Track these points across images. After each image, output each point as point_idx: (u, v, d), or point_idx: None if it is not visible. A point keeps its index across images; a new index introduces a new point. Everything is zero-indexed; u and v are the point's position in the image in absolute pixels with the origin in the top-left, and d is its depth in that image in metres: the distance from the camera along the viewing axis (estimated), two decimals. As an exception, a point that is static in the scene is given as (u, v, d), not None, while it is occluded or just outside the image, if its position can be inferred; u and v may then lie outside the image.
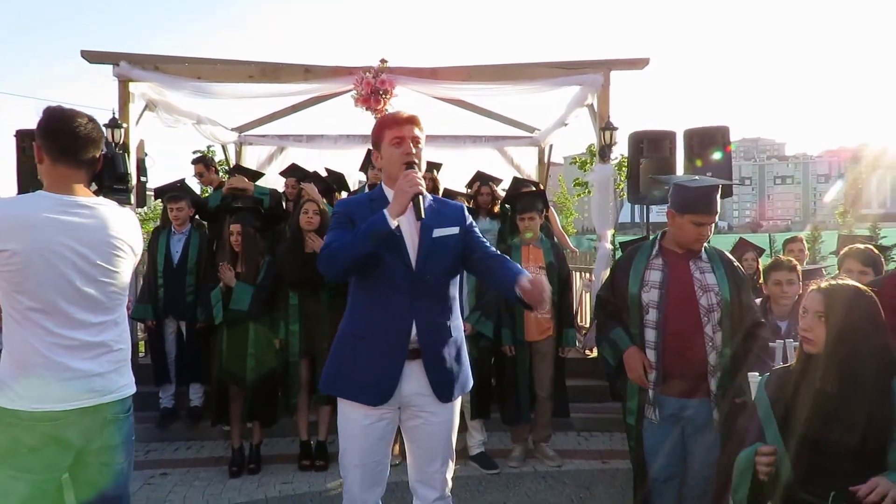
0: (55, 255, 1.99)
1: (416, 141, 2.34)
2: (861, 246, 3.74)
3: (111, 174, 2.53)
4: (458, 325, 2.47)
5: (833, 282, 2.36)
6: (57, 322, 2.03)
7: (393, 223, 2.22)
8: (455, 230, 2.42)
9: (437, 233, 2.38)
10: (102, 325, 2.13)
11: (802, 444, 2.20)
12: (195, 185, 6.88)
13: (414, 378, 2.34)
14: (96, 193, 2.19)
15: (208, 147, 16.04)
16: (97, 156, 2.16)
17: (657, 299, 2.91)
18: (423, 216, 2.24)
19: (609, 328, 3.10)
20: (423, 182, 2.25)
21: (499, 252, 2.52)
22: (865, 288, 2.30)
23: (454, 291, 2.48)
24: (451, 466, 2.50)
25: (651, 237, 3.19)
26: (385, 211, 2.22)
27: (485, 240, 2.54)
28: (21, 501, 2.00)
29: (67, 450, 2.06)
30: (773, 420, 2.30)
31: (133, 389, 2.25)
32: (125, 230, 2.21)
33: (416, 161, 2.31)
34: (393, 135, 2.35)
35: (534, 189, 5.55)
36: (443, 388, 2.37)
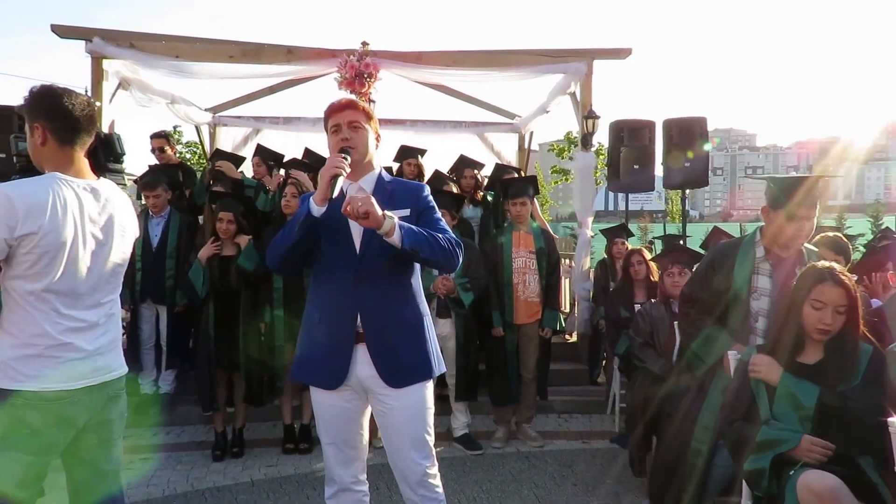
0: (72, 237, 2.02)
1: (352, 125, 2.34)
2: (832, 234, 3.90)
3: (108, 154, 2.58)
4: (415, 312, 2.42)
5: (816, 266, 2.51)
6: (68, 303, 2.06)
7: (316, 209, 2.21)
8: (406, 212, 2.37)
9: (388, 213, 2.31)
10: (107, 304, 2.19)
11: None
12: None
13: (365, 362, 2.35)
14: (95, 174, 2.20)
15: (174, 127, 15.83)
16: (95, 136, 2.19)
17: (767, 308, 2.83)
18: (332, 196, 2.18)
19: (713, 332, 2.98)
20: (344, 166, 2.21)
21: (438, 226, 2.39)
22: (842, 268, 2.45)
23: (408, 277, 2.42)
24: (429, 454, 2.44)
25: (748, 235, 3.08)
26: (310, 198, 2.25)
27: (441, 223, 2.42)
28: (13, 483, 1.99)
29: (70, 429, 2.10)
30: (765, 393, 2.43)
31: (126, 369, 2.29)
32: (128, 212, 2.26)
33: (352, 146, 2.30)
34: (331, 123, 2.38)
35: (526, 175, 5.58)
36: (390, 373, 2.34)
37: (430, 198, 2.49)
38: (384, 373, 2.34)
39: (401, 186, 2.48)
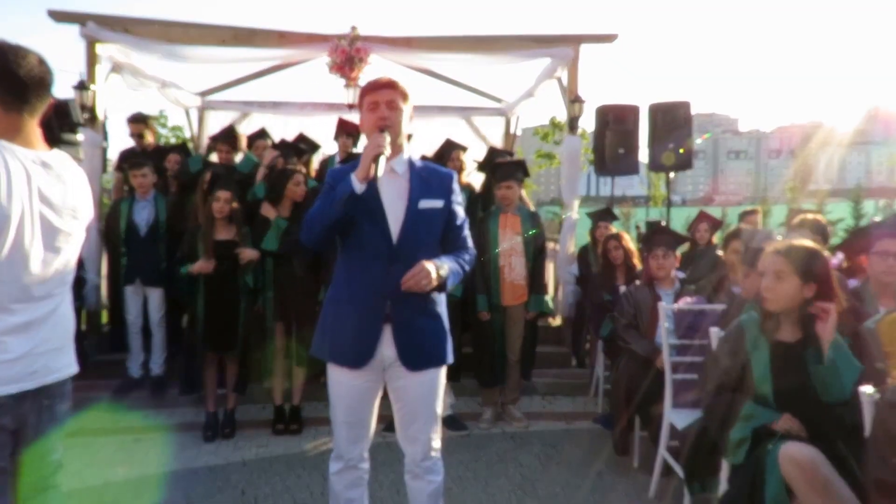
0: (18, 216, 1.72)
1: (391, 105, 2.35)
2: (810, 216, 4.04)
3: (63, 123, 2.29)
4: (437, 299, 2.49)
5: (788, 242, 2.61)
6: (11, 295, 1.76)
7: (359, 186, 2.26)
8: (440, 203, 2.44)
9: (423, 204, 2.41)
10: (55, 297, 1.90)
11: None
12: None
13: (390, 343, 2.42)
14: (48, 145, 1.90)
15: (160, 111, 15.71)
16: (49, 102, 1.88)
17: None
18: (377, 175, 2.24)
19: (749, 409, 2.72)
20: (385, 145, 2.26)
21: (464, 243, 2.53)
22: (818, 246, 2.56)
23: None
24: (437, 428, 2.58)
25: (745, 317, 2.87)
26: (352, 175, 2.28)
27: (465, 229, 2.54)
28: None
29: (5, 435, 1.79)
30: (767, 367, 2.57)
31: (75, 368, 2.00)
32: (83, 191, 1.96)
33: (389, 125, 2.33)
34: (369, 100, 2.39)
35: (514, 158, 5.63)
36: (410, 356, 2.42)
37: (458, 189, 2.55)
38: (404, 355, 2.41)
39: (433, 174, 2.50)
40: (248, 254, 4.44)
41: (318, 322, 2.55)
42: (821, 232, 3.84)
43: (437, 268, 2.30)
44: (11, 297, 1.76)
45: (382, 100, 2.36)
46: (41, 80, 1.81)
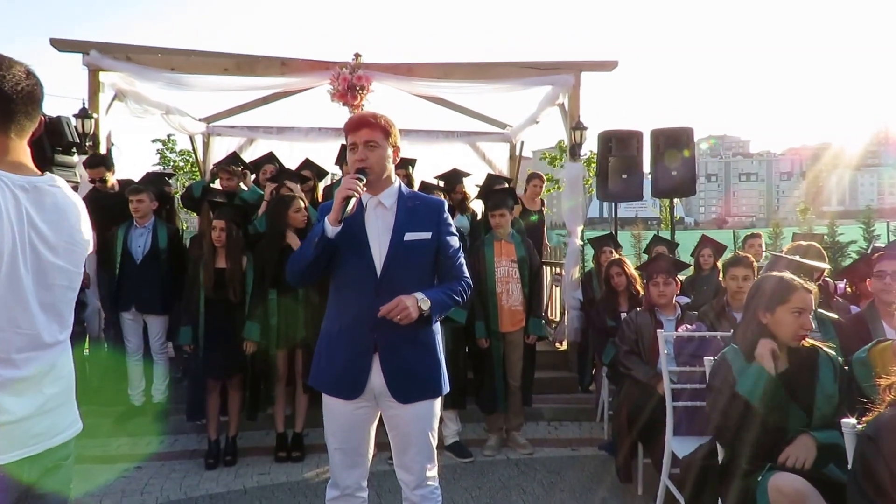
0: (9, 250, 1.49)
1: (369, 144, 2.37)
2: (804, 243, 4.11)
3: (56, 142, 1.91)
4: (429, 330, 2.47)
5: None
6: (11, 344, 1.52)
7: (331, 229, 2.29)
8: (427, 235, 2.44)
9: (409, 236, 2.41)
10: (58, 344, 1.65)
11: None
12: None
13: (380, 373, 2.41)
14: (39, 169, 1.68)
15: (168, 136, 15.94)
16: (39, 119, 1.67)
17: None
18: (344, 217, 2.26)
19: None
20: (357, 187, 2.27)
21: (458, 272, 2.52)
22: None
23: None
24: (432, 457, 2.54)
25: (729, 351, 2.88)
26: (325, 218, 2.32)
27: (459, 256, 2.53)
28: None
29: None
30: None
31: (80, 425, 1.75)
32: (80, 220, 1.71)
33: (367, 166, 2.35)
34: (349, 141, 2.42)
35: (505, 186, 5.68)
36: (399, 388, 2.40)
37: (450, 219, 2.56)
38: (393, 387, 2.40)
39: (422, 204, 2.50)
40: (250, 347, 4.51)
41: (315, 353, 2.57)
42: (818, 257, 3.90)
43: (418, 301, 2.30)
44: (12, 345, 1.52)
45: (360, 140, 2.37)
46: (29, 94, 1.58)
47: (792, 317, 2.61)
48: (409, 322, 2.28)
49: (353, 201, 2.26)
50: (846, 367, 2.66)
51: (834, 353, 2.71)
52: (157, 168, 16.80)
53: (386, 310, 2.26)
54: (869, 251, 5.28)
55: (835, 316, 3.44)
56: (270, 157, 6.33)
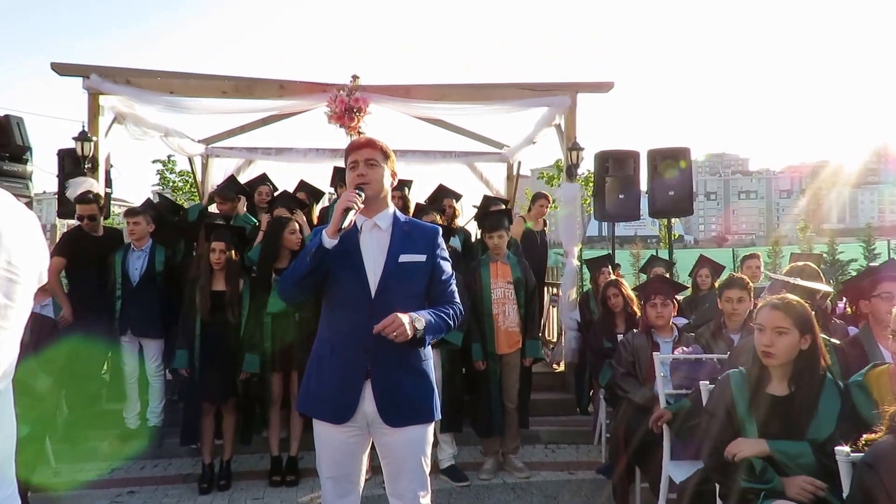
0: None
1: (369, 163, 2.42)
2: (800, 264, 4.08)
3: (3, 148, 1.67)
4: (421, 354, 2.45)
5: (784, 298, 2.59)
6: None
7: (328, 241, 2.29)
8: (422, 258, 2.46)
9: (404, 258, 2.43)
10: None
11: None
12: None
13: (372, 398, 2.39)
14: None
15: (168, 157, 16.02)
16: None
17: None
18: (342, 228, 2.27)
19: None
20: (357, 200, 2.30)
21: (450, 297, 2.52)
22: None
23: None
24: (425, 484, 2.50)
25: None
26: (323, 230, 2.32)
27: (451, 282, 2.53)
28: None
29: None
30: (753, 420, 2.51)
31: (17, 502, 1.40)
32: (29, 241, 1.41)
33: (367, 182, 2.39)
34: (350, 160, 2.46)
35: (501, 207, 5.68)
36: (389, 412, 2.37)
37: (443, 244, 2.57)
38: (384, 411, 2.37)
39: (417, 229, 2.53)
40: (245, 374, 4.51)
41: (304, 377, 2.54)
42: (815, 277, 3.87)
43: (413, 320, 2.28)
44: None
45: (361, 158, 2.42)
46: None
47: (756, 335, 2.60)
48: (404, 340, 2.26)
49: (351, 213, 2.26)
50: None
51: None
52: (157, 188, 16.90)
53: (381, 326, 2.24)
54: (869, 271, 5.23)
55: (836, 342, 3.41)
56: (263, 178, 6.35)
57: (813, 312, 2.62)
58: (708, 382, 2.87)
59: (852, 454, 2.06)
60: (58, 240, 5.29)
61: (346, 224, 2.26)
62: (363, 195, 2.34)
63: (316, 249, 2.30)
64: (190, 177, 13.82)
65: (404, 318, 2.26)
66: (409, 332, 2.25)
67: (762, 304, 2.66)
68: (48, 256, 1.50)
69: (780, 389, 2.57)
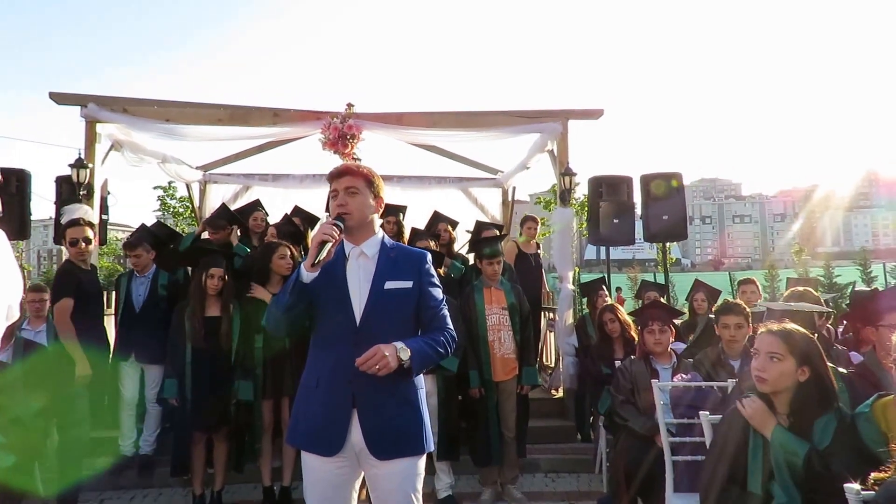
0: None
1: (349, 191, 2.38)
2: (801, 289, 4.02)
3: None
4: (410, 383, 2.39)
5: (783, 325, 2.55)
6: None
7: (306, 275, 2.25)
8: (408, 284, 2.41)
9: (389, 284, 2.38)
10: None
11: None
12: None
13: (359, 430, 2.33)
14: None
15: (169, 183, 16.01)
16: None
17: None
18: (319, 261, 2.22)
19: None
20: (334, 233, 2.26)
21: (440, 323, 2.45)
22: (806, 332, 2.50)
23: None
24: None
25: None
26: (301, 263, 2.28)
27: (442, 307, 2.46)
28: None
29: None
30: (761, 457, 2.45)
31: None
32: None
33: (347, 212, 2.35)
34: (331, 189, 2.44)
35: (496, 233, 5.66)
36: (377, 444, 2.31)
37: (432, 269, 2.51)
38: (371, 442, 2.31)
39: (403, 254, 2.49)
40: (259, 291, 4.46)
41: (293, 408, 2.48)
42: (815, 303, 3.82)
43: (398, 350, 2.23)
44: None
45: (341, 187, 2.39)
46: None
47: (752, 360, 2.55)
48: (388, 372, 2.20)
49: (327, 247, 2.22)
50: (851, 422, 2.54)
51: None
52: (158, 214, 16.86)
53: (362, 360, 2.19)
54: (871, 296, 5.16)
55: (843, 371, 3.33)
56: (257, 204, 6.33)
57: (815, 340, 2.55)
58: (708, 414, 2.80)
59: (863, 492, 1.98)
60: (54, 281, 4.80)
61: (322, 257, 2.22)
62: (342, 226, 2.30)
63: (294, 283, 2.27)
64: (190, 203, 13.82)
65: (387, 349, 2.21)
66: (392, 364, 2.20)
67: (761, 329, 2.62)
68: (20, 289, 1.38)
69: (782, 421, 2.50)
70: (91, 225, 5.00)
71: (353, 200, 2.38)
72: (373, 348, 2.20)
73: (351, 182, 2.39)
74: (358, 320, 2.34)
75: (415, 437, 2.39)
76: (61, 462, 4.42)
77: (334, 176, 2.42)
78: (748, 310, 3.93)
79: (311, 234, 6.17)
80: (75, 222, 4.95)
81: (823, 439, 2.38)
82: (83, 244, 4.77)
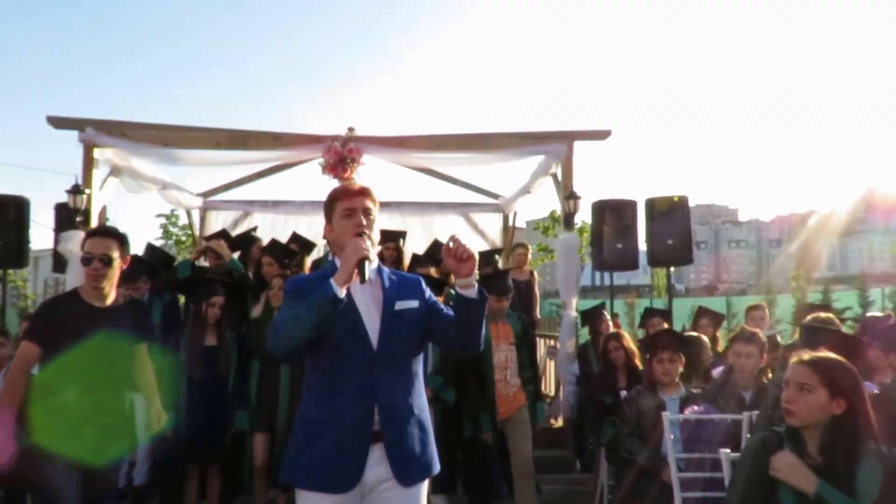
0: None
1: (367, 212, 2.28)
2: (823, 315, 3.88)
3: None
4: (422, 405, 2.33)
5: (816, 354, 2.43)
6: None
7: (340, 291, 2.11)
8: (415, 303, 2.34)
9: (400, 305, 2.30)
10: None
11: None
12: None
13: (379, 462, 2.21)
14: None
15: (172, 211, 15.96)
16: None
17: None
18: (364, 280, 2.14)
19: None
20: (370, 248, 2.17)
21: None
22: (845, 360, 2.38)
23: (417, 368, 2.36)
24: None
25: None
26: (331, 279, 2.12)
27: (446, 309, 2.43)
28: None
29: None
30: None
31: None
32: None
33: (367, 232, 2.24)
34: (344, 206, 2.29)
35: (502, 270, 5.56)
36: (405, 472, 2.22)
37: (429, 291, 2.46)
38: (399, 471, 2.20)
39: (402, 278, 2.45)
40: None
41: (289, 444, 2.34)
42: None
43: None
44: None
45: (359, 207, 2.28)
46: None
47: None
48: (472, 257, 2.19)
49: (366, 263, 2.14)
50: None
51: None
52: (160, 242, 16.74)
53: (457, 239, 2.19)
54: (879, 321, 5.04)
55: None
56: (251, 237, 6.25)
57: (854, 369, 2.38)
58: (729, 451, 2.67)
59: None
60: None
61: (365, 278, 2.14)
62: (370, 243, 2.21)
63: (326, 301, 2.09)
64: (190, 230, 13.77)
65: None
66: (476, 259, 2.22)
67: (794, 358, 2.48)
68: None
69: (813, 458, 2.33)
70: (118, 238, 3.31)
71: (370, 222, 2.30)
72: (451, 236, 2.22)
73: (367, 203, 2.30)
74: (375, 344, 2.23)
75: (432, 458, 2.33)
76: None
77: (351, 194, 2.31)
78: (764, 338, 3.82)
79: (308, 259, 6.08)
80: (95, 231, 3.54)
81: (869, 489, 2.21)
82: (98, 264, 3.15)
